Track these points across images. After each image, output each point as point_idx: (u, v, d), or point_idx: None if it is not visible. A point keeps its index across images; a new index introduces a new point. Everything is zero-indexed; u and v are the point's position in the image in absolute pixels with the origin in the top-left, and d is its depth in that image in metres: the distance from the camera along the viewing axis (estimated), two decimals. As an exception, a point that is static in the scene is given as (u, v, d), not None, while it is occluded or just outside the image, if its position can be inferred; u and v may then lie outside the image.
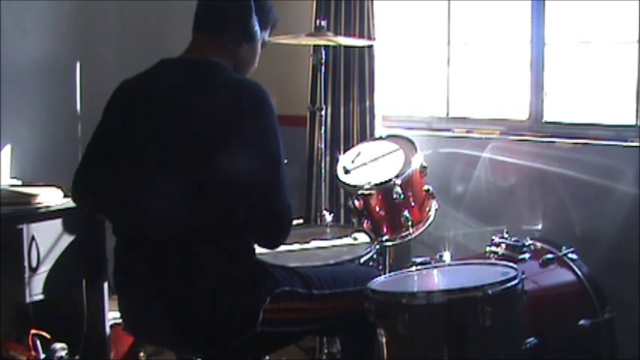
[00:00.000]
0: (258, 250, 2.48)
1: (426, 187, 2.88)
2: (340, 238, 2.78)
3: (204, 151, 1.94)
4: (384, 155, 2.99)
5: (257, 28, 2.09)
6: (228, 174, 1.93)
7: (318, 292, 2.13)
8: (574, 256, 2.69)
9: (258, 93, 1.98)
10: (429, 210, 2.91)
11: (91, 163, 2.15)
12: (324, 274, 2.21)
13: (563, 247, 2.71)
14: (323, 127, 3.24)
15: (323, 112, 3.22)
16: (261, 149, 1.97)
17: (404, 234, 2.84)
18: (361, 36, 3.48)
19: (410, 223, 2.82)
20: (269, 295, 2.04)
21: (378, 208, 2.84)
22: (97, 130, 2.14)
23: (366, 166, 2.98)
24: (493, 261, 2.56)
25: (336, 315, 2.18)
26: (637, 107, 3.01)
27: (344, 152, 3.22)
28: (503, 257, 2.63)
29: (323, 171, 3.23)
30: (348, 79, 3.60)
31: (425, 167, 2.88)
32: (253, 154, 1.95)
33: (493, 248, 2.73)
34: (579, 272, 2.64)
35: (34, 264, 2.65)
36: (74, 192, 2.22)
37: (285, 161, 2.00)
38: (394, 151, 2.98)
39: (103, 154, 2.11)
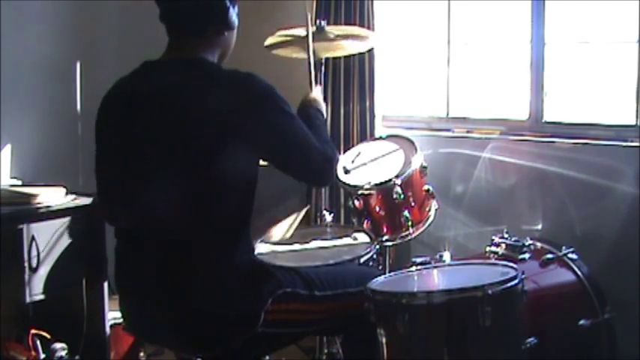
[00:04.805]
0: (258, 250, 2.50)
1: (426, 187, 2.88)
2: (340, 238, 2.78)
3: (209, 150, 1.94)
4: (384, 155, 2.99)
5: (235, 16, 2.09)
6: (237, 169, 1.95)
7: (319, 293, 2.13)
8: (574, 256, 2.69)
9: (255, 82, 1.99)
10: (429, 210, 2.90)
11: (102, 177, 2.14)
12: (325, 274, 2.22)
13: (563, 247, 2.71)
14: (323, 127, 3.24)
15: (323, 112, 3.22)
16: (276, 133, 2.00)
17: (404, 234, 2.84)
18: (361, 36, 3.48)
19: (410, 223, 2.81)
20: (271, 296, 2.04)
21: (378, 208, 2.84)
22: (97, 140, 2.12)
23: (366, 166, 2.98)
24: (493, 261, 2.56)
25: (337, 316, 2.19)
26: (637, 107, 3.01)
27: (344, 152, 3.22)
28: (503, 257, 2.64)
29: (323, 171, 3.23)
30: (348, 79, 3.59)
31: (425, 167, 2.88)
32: (268, 141, 1.99)
33: (493, 248, 2.74)
34: (579, 272, 2.64)
35: (34, 264, 2.65)
36: (103, 211, 2.26)
37: None
38: (394, 151, 2.98)
39: (111, 161, 2.11)
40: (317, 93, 2.49)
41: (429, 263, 2.51)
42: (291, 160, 2.07)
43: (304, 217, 2.78)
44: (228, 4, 2.05)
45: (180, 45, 2.06)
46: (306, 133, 2.06)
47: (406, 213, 2.80)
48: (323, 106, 2.43)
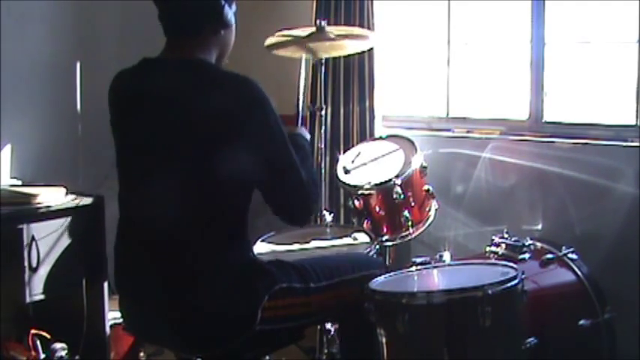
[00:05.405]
0: (257, 250, 2.49)
1: (426, 187, 2.88)
2: (340, 238, 2.78)
3: (206, 150, 1.95)
4: (384, 155, 2.99)
5: (231, 14, 2.09)
6: (232, 171, 1.94)
7: (315, 285, 2.14)
8: (574, 256, 2.69)
9: (253, 86, 1.99)
10: (429, 210, 2.91)
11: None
12: (321, 264, 2.22)
13: (563, 247, 2.71)
14: (323, 127, 3.23)
15: (323, 112, 3.21)
16: (268, 139, 1.98)
17: (404, 234, 2.84)
18: (361, 36, 3.48)
19: (410, 223, 2.82)
20: (266, 293, 2.04)
21: (378, 208, 2.84)
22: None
23: (366, 166, 2.98)
24: (493, 261, 2.56)
25: (334, 305, 2.19)
26: (637, 107, 3.01)
27: (344, 152, 3.22)
28: (503, 257, 2.64)
29: (323, 171, 3.23)
30: (348, 79, 3.59)
31: (425, 167, 2.88)
32: (260, 145, 1.97)
33: (493, 248, 2.73)
34: (579, 272, 2.64)
35: (34, 264, 2.65)
36: None
37: None
38: (394, 151, 2.98)
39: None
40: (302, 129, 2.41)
41: (429, 263, 2.51)
42: (276, 170, 2.02)
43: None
44: (223, 2, 2.05)
45: (178, 45, 2.06)
46: (294, 154, 2.04)
47: (406, 213, 2.81)
48: (308, 137, 2.36)
